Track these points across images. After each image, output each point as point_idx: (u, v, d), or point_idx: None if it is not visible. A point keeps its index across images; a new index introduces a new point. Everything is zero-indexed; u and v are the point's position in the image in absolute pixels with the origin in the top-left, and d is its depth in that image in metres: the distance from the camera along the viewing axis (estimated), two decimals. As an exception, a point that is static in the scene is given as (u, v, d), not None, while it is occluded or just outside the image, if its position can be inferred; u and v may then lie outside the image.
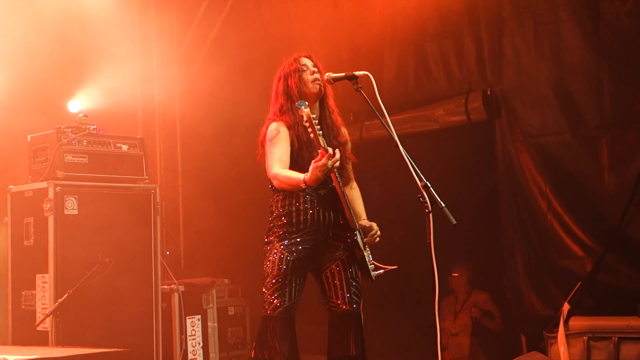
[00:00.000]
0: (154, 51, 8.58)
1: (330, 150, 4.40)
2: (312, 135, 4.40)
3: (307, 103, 4.49)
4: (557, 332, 6.20)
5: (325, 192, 4.77)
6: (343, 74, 4.77)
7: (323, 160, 4.39)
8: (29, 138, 6.38)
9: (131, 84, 8.03)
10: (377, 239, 4.95)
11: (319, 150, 4.41)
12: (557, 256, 6.48)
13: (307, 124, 4.39)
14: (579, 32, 6.39)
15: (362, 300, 5.08)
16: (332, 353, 4.87)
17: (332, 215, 4.85)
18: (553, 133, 6.52)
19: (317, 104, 4.94)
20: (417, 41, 7.34)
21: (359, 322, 4.92)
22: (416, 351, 7.03)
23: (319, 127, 4.40)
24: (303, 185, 4.52)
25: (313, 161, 4.45)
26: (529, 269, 6.62)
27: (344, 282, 4.88)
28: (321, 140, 4.39)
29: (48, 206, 5.94)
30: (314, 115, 4.39)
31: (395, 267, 5.00)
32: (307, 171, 4.50)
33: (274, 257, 4.78)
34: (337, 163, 4.44)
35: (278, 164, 4.73)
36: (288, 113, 4.84)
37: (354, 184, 5.15)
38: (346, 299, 4.87)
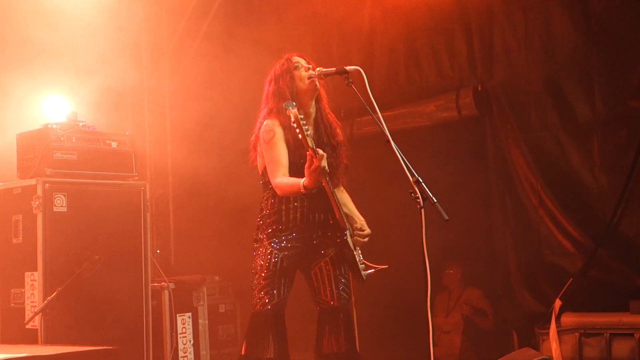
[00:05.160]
0: (144, 47, 8.54)
1: (319, 151, 4.36)
2: (300, 135, 4.35)
3: (294, 104, 4.45)
4: (548, 328, 6.20)
5: (317, 192, 4.74)
6: (334, 68, 4.75)
7: (315, 163, 4.35)
8: (16, 134, 6.33)
9: (120, 80, 7.98)
10: (366, 238, 4.92)
11: (307, 152, 4.37)
12: (549, 252, 6.47)
13: (294, 125, 4.36)
14: (570, 27, 6.38)
15: (354, 297, 5.07)
16: (322, 350, 4.85)
17: (322, 214, 4.83)
18: (544, 129, 6.52)
19: (314, 102, 4.90)
20: (408, 37, 7.32)
21: (349, 318, 4.91)
22: (408, 348, 7.02)
23: (306, 127, 4.36)
24: (303, 190, 4.50)
25: (305, 166, 4.41)
26: (520, 266, 6.62)
27: (332, 279, 4.87)
28: (309, 140, 4.34)
29: (37, 203, 5.90)
30: (302, 116, 4.35)
31: (386, 266, 5.00)
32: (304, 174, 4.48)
33: (263, 254, 4.78)
34: (326, 160, 4.41)
35: (279, 170, 4.69)
36: (281, 114, 4.79)
37: (342, 188, 5.12)
38: (335, 295, 4.86)
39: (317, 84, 4.83)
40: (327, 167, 4.40)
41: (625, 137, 6.17)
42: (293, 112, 4.35)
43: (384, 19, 7.43)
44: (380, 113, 4.44)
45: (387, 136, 4.33)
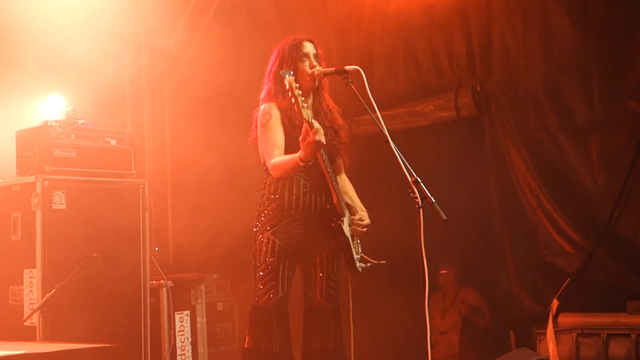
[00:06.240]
0: (143, 45, 8.53)
1: (315, 124, 4.34)
2: (294, 105, 4.34)
3: (292, 72, 4.43)
4: (546, 328, 6.21)
5: (318, 175, 4.73)
6: (333, 68, 4.75)
7: (310, 137, 4.34)
8: (16, 132, 6.33)
9: (120, 77, 7.98)
10: (365, 229, 4.92)
11: (303, 125, 4.37)
12: (547, 253, 6.48)
13: (289, 93, 4.34)
14: (569, 27, 6.39)
15: (352, 296, 5.07)
16: (309, 346, 4.85)
17: (324, 199, 4.81)
18: (542, 129, 6.53)
19: (312, 92, 4.90)
20: (407, 37, 7.32)
21: (337, 315, 4.92)
22: (405, 349, 7.02)
23: (302, 98, 4.34)
24: (301, 164, 4.48)
25: (300, 138, 4.41)
26: (518, 266, 6.62)
27: (324, 277, 4.87)
28: (304, 112, 4.32)
29: (36, 201, 5.90)
30: (297, 85, 4.33)
31: (384, 262, 4.99)
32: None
33: (264, 244, 4.75)
34: (322, 133, 4.39)
35: (275, 151, 4.69)
36: (279, 96, 4.79)
37: (344, 175, 5.13)
38: (324, 293, 4.86)
39: (317, 82, 4.84)
40: (323, 140, 4.38)
41: (623, 137, 6.18)
42: (289, 79, 4.33)
43: (383, 18, 7.43)
44: (379, 112, 4.44)
45: (386, 136, 4.34)
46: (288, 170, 4.65)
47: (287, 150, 4.69)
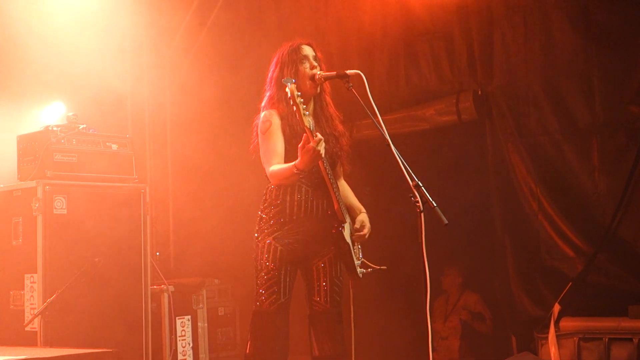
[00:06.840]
0: (144, 50, 8.54)
1: (318, 135, 4.36)
2: (296, 113, 4.35)
3: (294, 80, 4.44)
4: (547, 332, 6.21)
5: (319, 181, 4.73)
6: (334, 72, 4.75)
7: (311, 144, 4.35)
8: (17, 136, 6.34)
9: (121, 83, 7.99)
10: (365, 236, 4.92)
11: (304, 133, 4.37)
12: (548, 257, 6.48)
13: (290, 102, 4.34)
14: (569, 32, 6.40)
15: (353, 300, 5.07)
16: (320, 351, 4.84)
17: (325, 205, 4.81)
18: (544, 133, 6.52)
19: (313, 98, 4.89)
20: (408, 41, 7.33)
21: (340, 321, 4.91)
22: (406, 352, 7.02)
23: (304, 106, 4.35)
24: (296, 171, 4.49)
25: (299, 146, 4.41)
26: (519, 270, 6.62)
27: (328, 281, 4.86)
28: (305, 120, 4.33)
29: (37, 205, 5.90)
30: (299, 93, 4.34)
31: (385, 267, 4.98)
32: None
33: (265, 250, 4.75)
34: (323, 146, 4.40)
35: (274, 159, 4.69)
36: (281, 102, 4.79)
37: (343, 181, 5.12)
38: (328, 298, 4.85)
39: (318, 86, 4.83)
40: (322, 152, 4.39)
41: (624, 141, 6.18)
42: (290, 87, 4.33)
43: (384, 22, 7.43)
44: (380, 117, 4.44)
45: (387, 140, 4.33)
46: (285, 179, 4.66)
47: (288, 158, 4.69)
